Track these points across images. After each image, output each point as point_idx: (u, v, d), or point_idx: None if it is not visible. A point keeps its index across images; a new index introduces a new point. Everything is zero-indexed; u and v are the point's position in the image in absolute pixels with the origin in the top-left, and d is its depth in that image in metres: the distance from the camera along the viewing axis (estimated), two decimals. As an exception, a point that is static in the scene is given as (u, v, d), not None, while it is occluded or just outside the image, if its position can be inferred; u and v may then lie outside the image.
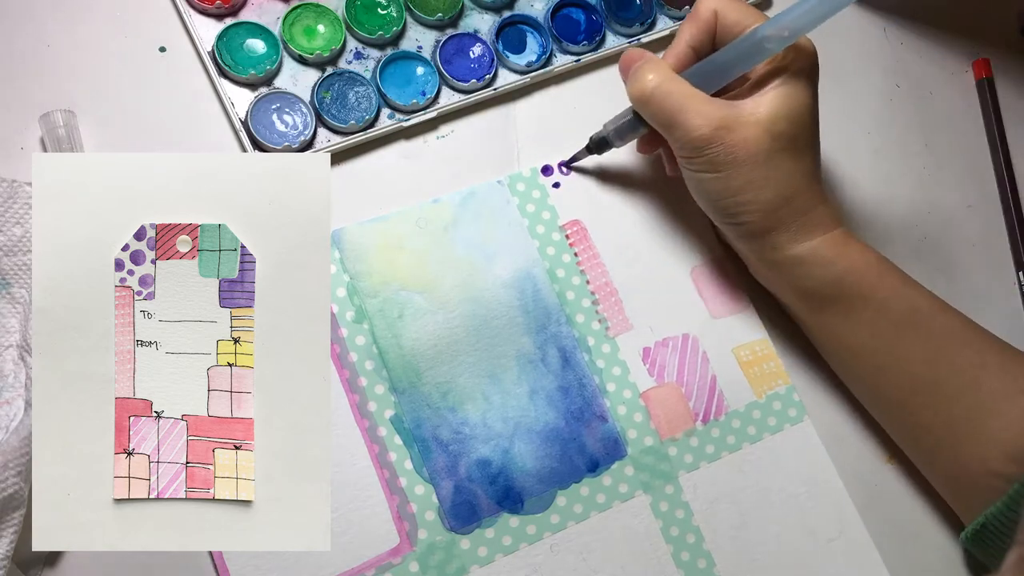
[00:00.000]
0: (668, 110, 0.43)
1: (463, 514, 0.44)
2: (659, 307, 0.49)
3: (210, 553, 0.41)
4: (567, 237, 0.49)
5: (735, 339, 0.49)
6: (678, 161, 0.45)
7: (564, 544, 0.44)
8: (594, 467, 0.46)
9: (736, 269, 0.50)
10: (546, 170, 0.50)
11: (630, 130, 0.47)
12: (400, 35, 0.50)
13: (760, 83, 0.43)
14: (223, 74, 0.47)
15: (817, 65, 0.44)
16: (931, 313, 0.45)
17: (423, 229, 0.47)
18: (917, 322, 0.44)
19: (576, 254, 0.49)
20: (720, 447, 0.47)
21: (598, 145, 0.48)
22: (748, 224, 0.44)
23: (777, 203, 0.43)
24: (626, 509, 0.45)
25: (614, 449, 0.46)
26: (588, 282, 0.48)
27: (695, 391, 0.48)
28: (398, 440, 0.44)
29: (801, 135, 0.43)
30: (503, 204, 0.49)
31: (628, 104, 0.46)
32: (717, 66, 0.43)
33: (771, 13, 0.56)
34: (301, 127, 0.46)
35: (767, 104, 0.42)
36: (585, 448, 0.46)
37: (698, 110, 0.42)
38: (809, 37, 0.43)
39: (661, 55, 0.45)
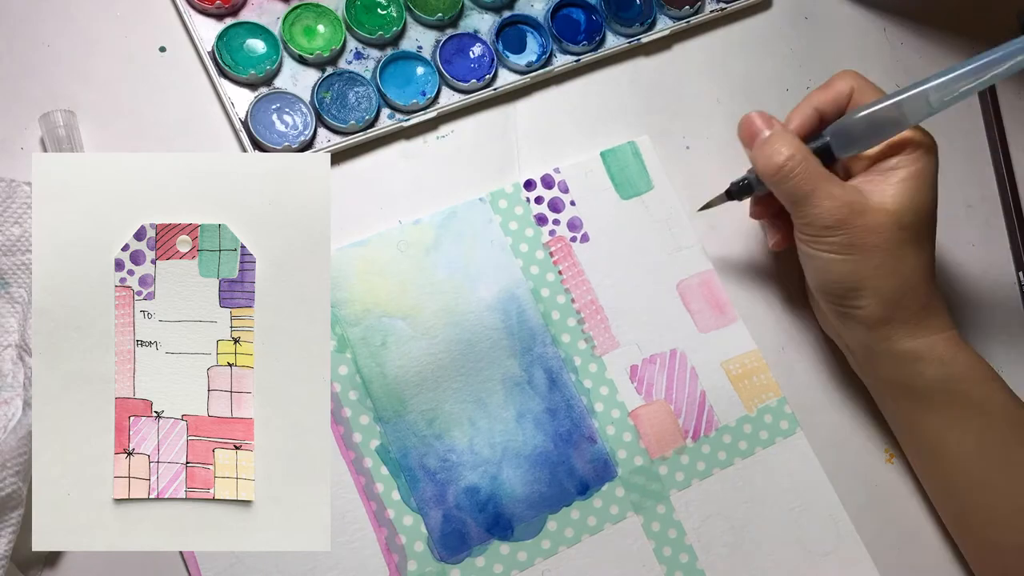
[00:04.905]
0: (802, 189, 0.42)
1: (453, 543, 0.43)
2: (646, 323, 0.48)
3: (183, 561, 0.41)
4: (551, 255, 0.48)
5: (724, 352, 0.49)
6: (799, 238, 0.44)
7: (556, 570, 0.44)
8: (584, 490, 0.45)
9: (723, 281, 0.50)
10: (528, 185, 0.49)
11: (757, 186, 0.46)
12: (400, 35, 0.50)
13: (878, 171, 0.43)
14: (223, 74, 0.47)
15: (937, 160, 0.44)
16: None
17: (404, 253, 0.46)
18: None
19: (560, 272, 0.48)
20: (711, 464, 0.47)
21: (740, 191, 0.47)
22: (865, 310, 0.43)
23: (898, 294, 0.43)
24: (618, 531, 0.45)
25: (604, 470, 0.45)
26: (573, 300, 0.48)
27: (684, 408, 0.47)
28: (384, 471, 0.43)
29: (924, 229, 0.43)
30: (485, 223, 0.48)
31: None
32: (855, 129, 0.43)
33: (770, 14, 0.57)
34: (301, 127, 0.46)
35: (895, 195, 0.42)
36: (575, 471, 0.45)
37: (830, 191, 0.42)
38: (926, 128, 0.44)
39: (784, 118, 0.45)
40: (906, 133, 0.43)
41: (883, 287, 0.43)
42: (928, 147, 0.43)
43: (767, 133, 0.44)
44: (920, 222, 0.43)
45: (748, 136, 0.45)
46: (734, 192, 0.47)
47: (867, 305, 0.43)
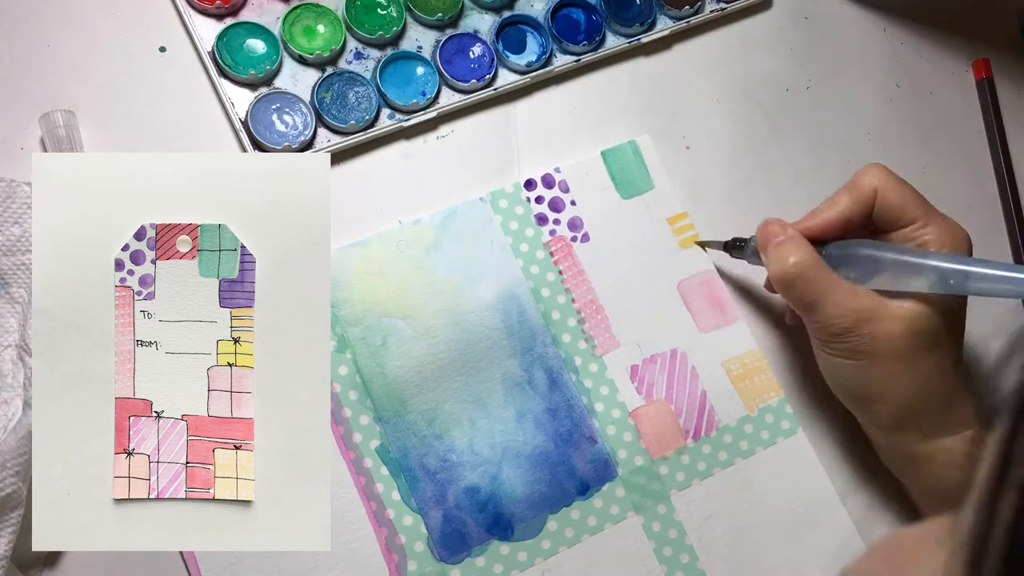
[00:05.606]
0: (809, 296, 0.42)
1: (452, 543, 0.43)
2: (646, 323, 0.48)
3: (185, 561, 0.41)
4: (551, 254, 0.48)
5: (725, 352, 0.48)
6: (813, 340, 0.44)
7: (556, 570, 0.43)
8: (584, 490, 0.45)
9: (724, 281, 0.50)
10: (529, 184, 0.49)
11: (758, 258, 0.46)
12: (400, 35, 0.50)
13: None
14: (223, 74, 0.47)
15: (970, 255, 0.43)
16: None
17: (404, 252, 0.46)
18: None
19: (561, 272, 0.48)
20: (712, 464, 0.46)
21: (735, 249, 0.48)
22: (880, 415, 0.43)
23: (913, 399, 0.42)
24: (618, 531, 0.44)
25: (604, 470, 0.45)
26: (573, 300, 0.48)
27: (685, 407, 0.47)
28: (384, 471, 0.43)
29: (942, 332, 0.42)
30: (485, 223, 0.48)
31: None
32: (870, 267, 0.42)
33: (770, 14, 0.57)
34: (301, 127, 0.46)
35: (913, 299, 0.41)
36: (575, 471, 0.45)
37: (839, 300, 0.41)
38: (964, 229, 0.43)
39: (807, 221, 0.44)
40: (931, 229, 0.42)
41: (897, 394, 0.42)
42: (956, 244, 0.42)
43: (779, 239, 0.44)
44: (937, 325, 0.41)
45: (763, 241, 0.45)
46: (731, 248, 0.48)
47: (881, 411, 0.43)
